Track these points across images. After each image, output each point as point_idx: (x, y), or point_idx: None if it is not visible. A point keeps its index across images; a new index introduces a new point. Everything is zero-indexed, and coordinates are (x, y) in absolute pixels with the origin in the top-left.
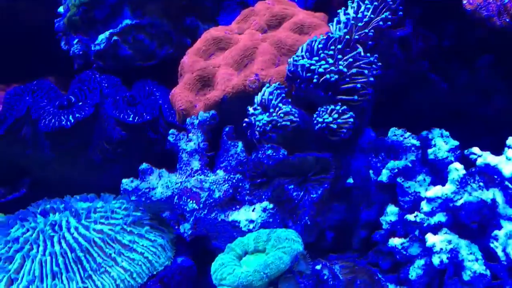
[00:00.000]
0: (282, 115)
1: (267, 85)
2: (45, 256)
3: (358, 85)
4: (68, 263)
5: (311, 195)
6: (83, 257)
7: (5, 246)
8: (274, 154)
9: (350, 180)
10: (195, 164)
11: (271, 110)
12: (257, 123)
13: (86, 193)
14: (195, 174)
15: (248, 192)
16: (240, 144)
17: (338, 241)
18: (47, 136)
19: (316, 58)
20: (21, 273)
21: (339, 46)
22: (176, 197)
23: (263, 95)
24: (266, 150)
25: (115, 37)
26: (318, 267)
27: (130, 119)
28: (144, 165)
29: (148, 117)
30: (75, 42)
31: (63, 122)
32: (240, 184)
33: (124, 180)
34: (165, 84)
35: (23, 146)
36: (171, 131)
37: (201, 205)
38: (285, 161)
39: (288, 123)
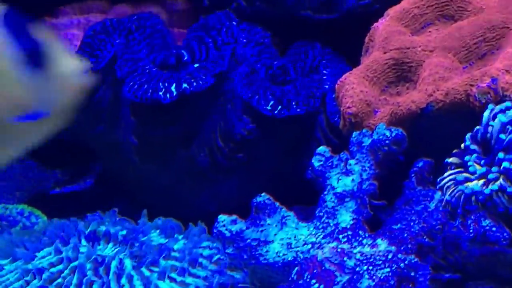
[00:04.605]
0: None
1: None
2: None
3: None
4: None
5: None
6: None
7: (21, 277)
8: (493, 231)
9: None
10: (345, 218)
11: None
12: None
13: (173, 211)
14: (340, 236)
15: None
16: (438, 195)
17: None
18: (132, 110)
19: None
20: None
21: None
22: (296, 268)
23: (490, 123)
24: (480, 221)
25: None
26: None
27: (269, 107)
28: (263, 197)
29: (299, 110)
30: None
31: (160, 93)
32: (412, 274)
33: (221, 217)
34: (344, 55)
35: (96, 116)
36: (320, 149)
37: None
38: (501, 255)
39: None
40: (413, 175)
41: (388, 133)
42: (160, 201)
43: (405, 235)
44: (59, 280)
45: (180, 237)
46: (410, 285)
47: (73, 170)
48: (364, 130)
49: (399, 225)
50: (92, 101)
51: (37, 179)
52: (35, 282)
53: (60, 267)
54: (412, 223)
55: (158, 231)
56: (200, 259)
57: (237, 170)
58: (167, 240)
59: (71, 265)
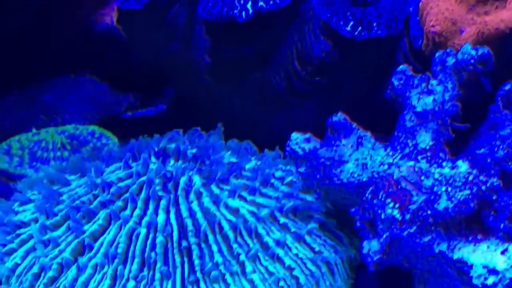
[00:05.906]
0: None
1: None
2: (139, 226)
3: None
4: (170, 250)
5: None
6: (195, 246)
7: (90, 191)
8: None
9: None
10: (424, 138)
11: None
12: None
13: (245, 135)
14: (418, 157)
15: (508, 215)
16: None
17: None
18: (206, 28)
19: None
20: (99, 242)
21: None
22: (371, 188)
23: None
24: None
25: None
26: None
27: (348, 28)
28: (338, 117)
29: (380, 32)
30: None
31: (236, 11)
32: (494, 197)
33: (294, 135)
34: None
35: (170, 34)
36: (401, 68)
37: (408, 216)
38: None
39: None
40: (499, 98)
41: (473, 52)
42: (233, 124)
43: (488, 160)
44: (127, 194)
45: (253, 158)
46: (492, 213)
47: (145, 94)
48: (448, 50)
49: (482, 149)
50: (166, 19)
51: (108, 102)
52: (104, 196)
53: (129, 181)
54: (496, 148)
55: (229, 151)
56: (272, 180)
57: (313, 94)
58: (239, 159)
59: (140, 180)
